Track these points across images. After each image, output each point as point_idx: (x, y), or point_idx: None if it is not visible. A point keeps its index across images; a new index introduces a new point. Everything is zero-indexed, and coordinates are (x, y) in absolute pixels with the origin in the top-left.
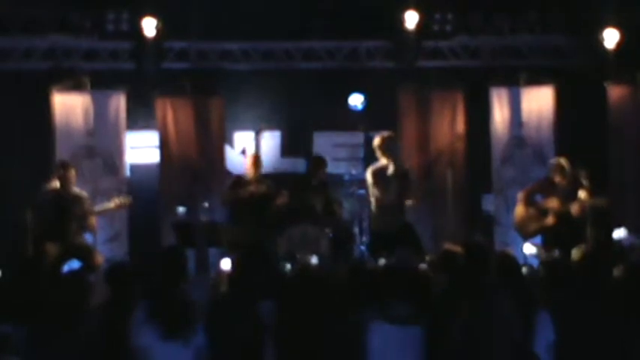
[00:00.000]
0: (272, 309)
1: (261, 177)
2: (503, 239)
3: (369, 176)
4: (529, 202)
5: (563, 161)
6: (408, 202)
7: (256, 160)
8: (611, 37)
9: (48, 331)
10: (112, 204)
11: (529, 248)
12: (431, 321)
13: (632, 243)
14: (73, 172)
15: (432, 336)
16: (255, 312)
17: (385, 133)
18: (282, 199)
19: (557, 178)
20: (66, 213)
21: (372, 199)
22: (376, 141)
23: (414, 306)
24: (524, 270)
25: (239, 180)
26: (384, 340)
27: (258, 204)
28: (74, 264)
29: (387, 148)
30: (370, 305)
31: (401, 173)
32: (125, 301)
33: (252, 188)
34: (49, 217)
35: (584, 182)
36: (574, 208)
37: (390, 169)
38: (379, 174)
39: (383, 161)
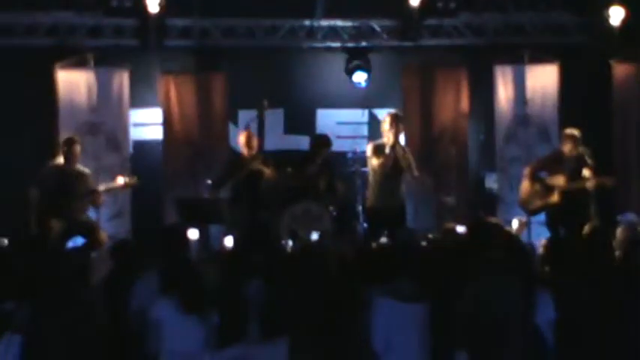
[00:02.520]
0: (260, 287)
1: (256, 154)
2: (507, 217)
3: (369, 151)
4: (534, 177)
5: (575, 132)
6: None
7: (249, 137)
8: (616, 15)
9: (50, 307)
10: (119, 183)
11: (515, 223)
12: (435, 298)
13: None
14: (78, 149)
15: (437, 313)
16: (240, 290)
17: (392, 112)
18: (269, 174)
19: (567, 148)
20: (70, 189)
21: (370, 173)
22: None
23: (418, 283)
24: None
25: (234, 159)
26: (388, 316)
27: (254, 181)
28: (78, 240)
29: (391, 124)
30: (374, 283)
31: (400, 147)
32: (128, 278)
33: (248, 167)
34: (52, 194)
35: (589, 160)
36: (589, 184)
37: (387, 147)
38: (379, 148)
39: (384, 139)
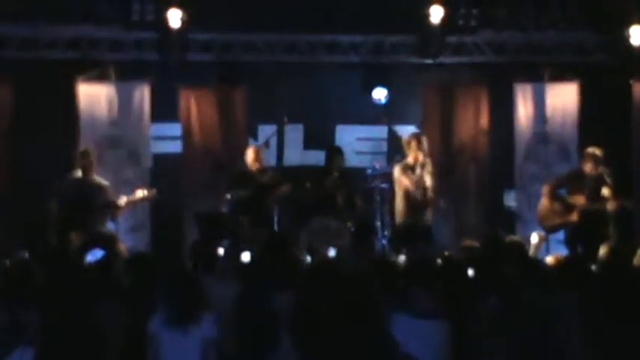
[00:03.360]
0: (289, 301)
1: (263, 168)
2: (525, 235)
3: (396, 172)
4: (554, 195)
5: (597, 151)
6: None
7: (257, 152)
8: (636, 34)
9: (62, 320)
10: (138, 195)
11: (534, 237)
12: (455, 315)
13: None
14: (93, 160)
15: (457, 330)
16: (269, 304)
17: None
18: (285, 188)
19: (589, 167)
20: (88, 202)
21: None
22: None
23: (437, 300)
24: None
25: (242, 174)
26: (406, 333)
27: (261, 195)
28: (98, 253)
29: (416, 144)
30: (393, 298)
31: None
32: (146, 291)
33: (254, 182)
34: (71, 206)
35: (608, 180)
36: (609, 206)
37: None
38: (408, 167)
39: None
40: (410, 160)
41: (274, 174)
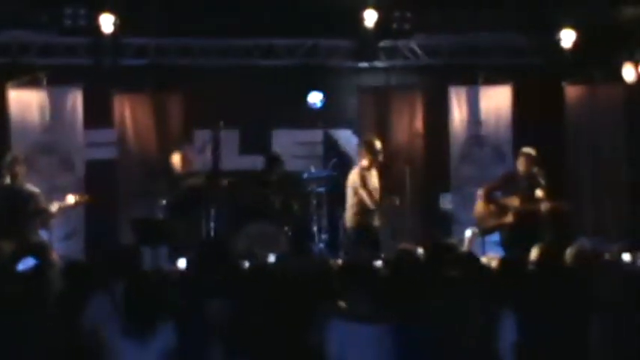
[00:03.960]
0: (222, 308)
1: (192, 171)
2: (461, 237)
3: (356, 174)
4: (489, 198)
5: (532, 151)
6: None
7: (183, 156)
8: (568, 37)
9: (3, 328)
10: (70, 202)
11: (467, 233)
12: (392, 319)
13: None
14: (23, 167)
15: (394, 334)
16: (202, 311)
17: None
18: (223, 183)
19: (522, 166)
20: (19, 209)
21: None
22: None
23: (374, 304)
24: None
25: (171, 179)
26: (343, 336)
27: (195, 197)
28: (29, 261)
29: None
30: (329, 303)
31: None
32: (81, 299)
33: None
34: (1, 214)
35: (542, 181)
36: (542, 207)
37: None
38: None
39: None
40: (365, 163)
41: (206, 174)
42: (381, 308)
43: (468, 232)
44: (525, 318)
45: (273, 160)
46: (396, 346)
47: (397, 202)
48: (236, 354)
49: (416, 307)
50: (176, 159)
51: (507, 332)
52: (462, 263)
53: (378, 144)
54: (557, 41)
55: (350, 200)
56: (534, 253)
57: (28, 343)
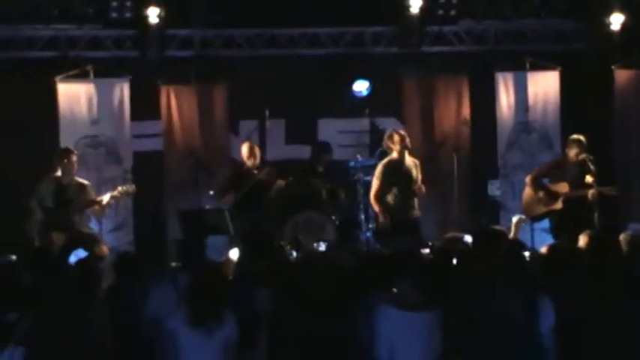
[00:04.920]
0: (269, 297)
1: (259, 164)
2: (509, 224)
3: (381, 167)
4: (537, 185)
5: (582, 137)
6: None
7: (251, 147)
8: (616, 21)
9: (52, 320)
10: (116, 192)
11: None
12: (440, 306)
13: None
14: (74, 160)
15: (442, 322)
16: (250, 300)
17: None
18: (280, 183)
19: (573, 153)
20: (68, 202)
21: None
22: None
23: (422, 292)
24: (527, 254)
25: (238, 170)
26: (392, 324)
27: (259, 192)
28: (80, 253)
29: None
30: (379, 291)
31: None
32: (132, 290)
33: (250, 178)
34: (52, 207)
35: (592, 167)
36: (589, 194)
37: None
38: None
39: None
40: (393, 155)
41: (270, 170)
42: (428, 296)
43: (515, 219)
44: (573, 304)
45: (321, 149)
46: (443, 333)
47: (395, 193)
48: (283, 343)
49: (463, 294)
50: (244, 150)
51: (549, 318)
52: (508, 250)
53: (396, 136)
54: (606, 25)
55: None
56: (583, 240)
57: (81, 335)
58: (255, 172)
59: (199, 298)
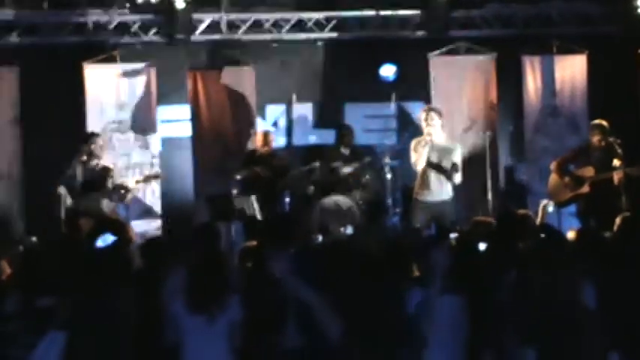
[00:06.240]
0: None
1: (273, 151)
2: (537, 209)
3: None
4: (562, 171)
5: (603, 122)
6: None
7: (266, 136)
8: None
9: (91, 304)
10: (142, 177)
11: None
12: (470, 290)
13: None
14: (100, 144)
15: (472, 305)
16: (277, 286)
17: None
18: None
19: (596, 138)
20: (95, 186)
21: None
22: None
23: (449, 275)
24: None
25: (252, 155)
26: (423, 309)
27: (271, 180)
28: (108, 238)
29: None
30: (405, 275)
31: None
32: (159, 276)
33: (261, 167)
34: (79, 192)
35: (619, 151)
36: (616, 177)
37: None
38: (419, 143)
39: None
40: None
41: (283, 156)
42: (455, 279)
43: (542, 204)
44: (604, 288)
45: (343, 131)
46: (469, 317)
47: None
48: (310, 328)
49: (489, 278)
50: (259, 138)
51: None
52: (534, 234)
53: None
54: (633, 8)
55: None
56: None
57: (107, 320)
58: (270, 158)
59: (199, 284)
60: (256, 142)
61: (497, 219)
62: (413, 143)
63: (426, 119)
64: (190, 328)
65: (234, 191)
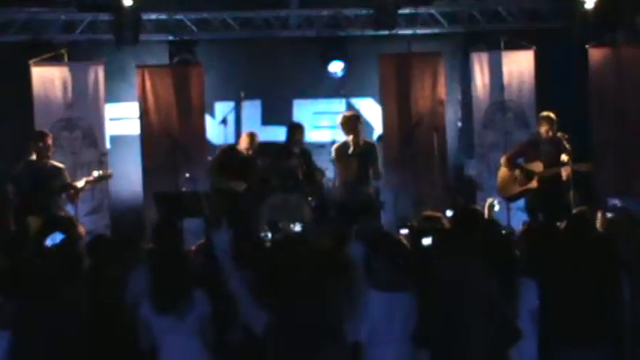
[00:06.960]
0: (250, 279)
1: (253, 155)
2: (484, 205)
3: (332, 153)
4: (512, 164)
5: (551, 114)
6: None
7: (252, 137)
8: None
9: (35, 303)
10: (95, 176)
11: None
12: (414, 286)
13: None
14: (49, 142)
15: (416, 302)
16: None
17: (348, 112)
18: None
19: (544, 129)
20: (44, 185)
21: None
22: (339, 119)
23: (396, 272)
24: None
25: (229, 152)
26: (372, 306)
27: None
28: (57, 237)
29: (349, 126)
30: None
31: (361, 151)
32: (107, 274)
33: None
34: (27, 190)
35: (567, 145)
36: (564, 173)
37: (351, 148)
38: (341, 151)
39: (347, 138)
40: (342, 141)
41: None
42: (403, 275)
43: (488, 201)
44: (550, 284)
45: (294, 129)
46: (417, 313)
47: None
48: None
49: (437, 274)
50: (245, 139)
51: (528, 299)
52: (484, 230)
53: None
54: (580, 3)
55: None
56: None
57: (64, 318)
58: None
59: (164, 284)
60: (240, 143)
61: (454, 214)
62: (334, 150)
63: (351, 127)
64: (161, 329)
65: (184, 189)
